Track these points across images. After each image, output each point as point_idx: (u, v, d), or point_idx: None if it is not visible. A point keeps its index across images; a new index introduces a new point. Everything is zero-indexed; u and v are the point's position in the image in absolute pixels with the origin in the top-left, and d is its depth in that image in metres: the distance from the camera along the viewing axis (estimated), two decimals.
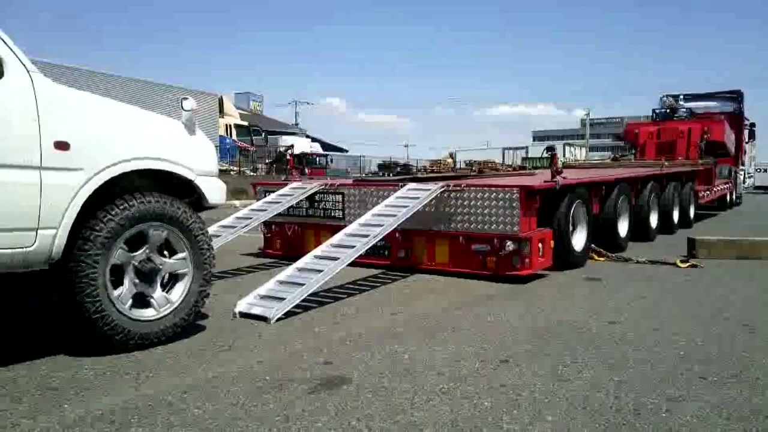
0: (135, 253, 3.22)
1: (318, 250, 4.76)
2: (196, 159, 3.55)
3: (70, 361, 3.05)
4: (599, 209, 7.05)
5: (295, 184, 6.80)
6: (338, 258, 4.46)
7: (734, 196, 15.90)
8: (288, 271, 4.44)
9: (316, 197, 6.53)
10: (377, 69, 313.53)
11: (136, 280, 3.24)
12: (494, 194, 5.37)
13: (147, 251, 3.27)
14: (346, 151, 44.52)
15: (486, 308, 4.28)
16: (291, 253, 6.19)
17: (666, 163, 11.04)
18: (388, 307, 4.31)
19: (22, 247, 2.79)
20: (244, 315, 3.95)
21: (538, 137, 75.17)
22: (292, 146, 10.80)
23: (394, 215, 5.08)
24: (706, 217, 12.49)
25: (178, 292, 3.43)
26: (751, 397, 2.59)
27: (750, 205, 17.47)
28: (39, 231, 2.83)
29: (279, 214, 6.29)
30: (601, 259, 6.56)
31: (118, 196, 3.16)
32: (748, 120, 16.93)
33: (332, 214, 6.39)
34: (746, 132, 17.02)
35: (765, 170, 35.92)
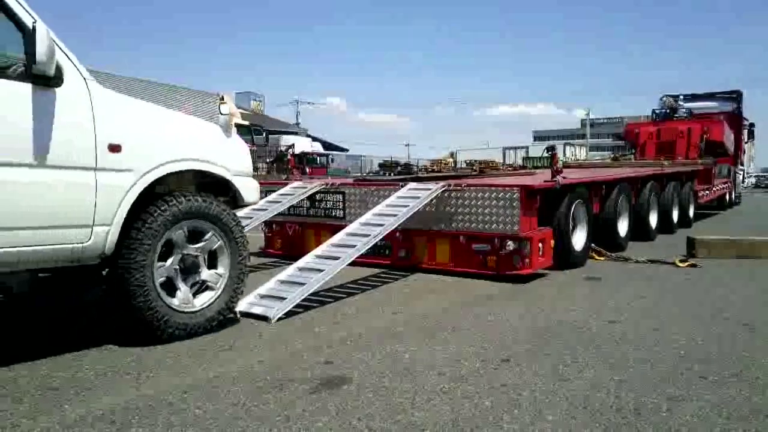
0: (189, 245, 3.48)
1: (319, 250, 4.76)
2: (232, 159, 3.78)
3: (70, 361, 3.05)
4: (599, 209, 7.05)
5: (295, 184, 6.80)
6: (339, 257, 4.47)
7: (733, 196, 15.89)
8: (289, 271, 4.44)
9: (317, 197, 6.53)
10: (377, 69, 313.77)
11: (176, 267, 3.43)
12: (495, 194, 5.37)
13: (199, 250, 3.52)
14: (347, 151, 44.53)
15: (486, 308, 4.28)
16: (292, 253, 6.19)
17: (666, 163, 11.05)
18: (388, 307, 4.31)
19: (80, 243, 3.00)
20: (245, 314, 3.95)
21: (539, 137, 75.12)
22: (292, 146, 10.82)
23: (395, 215, 5.08)
24: (705, 217, 12.49)
25: (202, 300, 3.57)
26: (751, 397, 2.59)
27: (749, 205, 17.47)
28: (94, 227, 3.03)
29: (280, 214, 6.30)
30: (601, 258, 6.56)
31: (162, 195, 3.38)
32: (747, 120, 16.91)
33: (333, 213, 6.39)
34: (745, 132, 17.00)
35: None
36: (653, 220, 8.71)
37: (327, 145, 40.14)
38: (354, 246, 4.62)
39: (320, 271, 4.30)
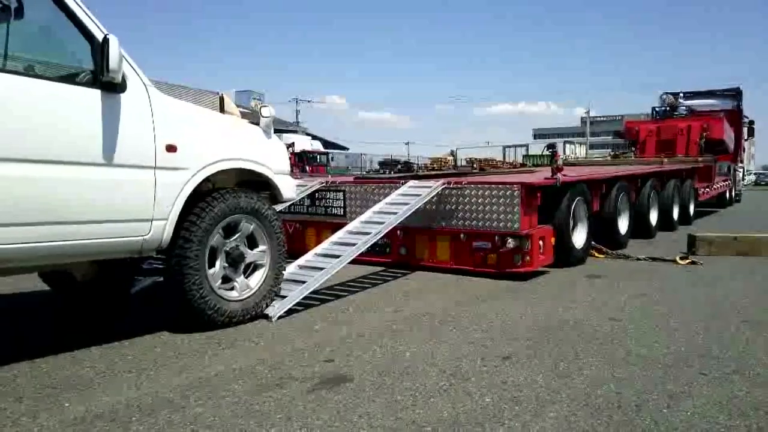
0: (227, 240, 3.69)
1: (319, 248, 4.76)
2: (273, 159, 4.05)
3: (70, 360, 3.05)
4: (599, 206, 7.04)
5: (296, 182, 6.79)
6: (339, 256, 4.46)
7: (733, 193, 15.91)
8: (289, 269, 4.44)
9: (317, 195, 6.53)
10: (378, 67, 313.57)
11: (225, 264, 3.68)
12: (495, 191, 5.36)
13: (237, 240, 3.73)
14: (347, 149, 44.51)
15: (487, 305, 4.28)
16: (292, 251, 6.17)
17: (665, 160, 11.04)
18: (389, 305, 4.31)
19: (141, 236, 3.23)
20: None
21: (539, 135, 75.05)
22: (292, 144, 10.80)
23: (395, 213, 5.08)
24: (705, 214, 12.49)
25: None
26: (752, 393, 2.59)
27: (749, 202, 17.47)
28: (153, 222, 3.26)
29: (280, 212, 6.26)
30: (602, 256, 6.55)
31: (211, 191, 3.63)
32: (747, 117, 16.91)
33: (333, 211, 6.39)
34: (745, 129, 17.00)
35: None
36: (653, 217, 8.71)
37: (327, 144, 40.13)
38: (354, 244, 4.61)
39: (321, 269, 4.30)
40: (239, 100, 37.52)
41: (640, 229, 8.12)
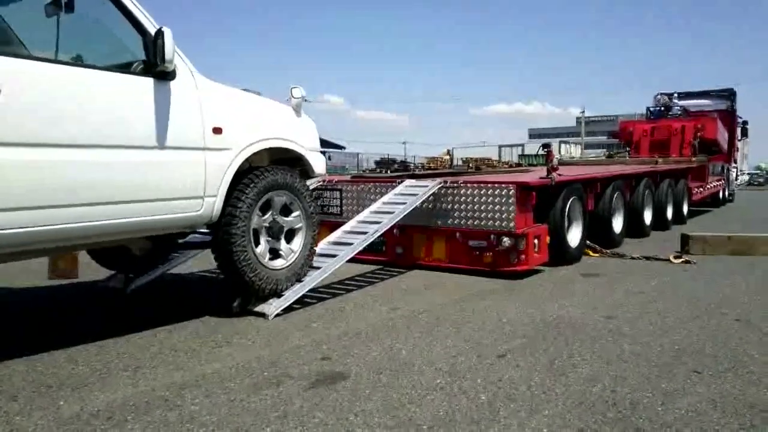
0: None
1: (316, 247, 4.74)
2: (305, 137, 4.30)
3: (66, 358, 3.04)
4: (594, 205, 7.07)
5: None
6: (336, 255, 4.46)
7: (727, 193, 15.98)
8: None
9: (314, 193, 6.49)
10: (376, 66, 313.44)
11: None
12: (491, 191, 5.37)
13: (272, 214, 3.96)
14: (344, 148, 44.41)
15: (483, 304, 4.29)
16: None
17: (659, 160, 11.10)
18: (385, 303, 4.31)
19: (195, 211, 3.49)
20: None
21: (534, 135, 75.19)
22: None
23: (392, 212, 5.08)
24: (699, 214, 12.55)
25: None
26: (745, 391, 2.61)
27: (742, 202, 17.57)
28: (204, 198, 3.51)
29: None
30: (596, 255, 6.58)
31: (251, 170, 3.85)
32: (740, 117, 16.99)
33: (330, 210, 6.39)
34: (739, 130, 17.06)
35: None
36: (648, 216, 8.75)
37: (324, 143, 39.93)
38: (351, 243, 4.61)
39: (318, 268, 4.29)
40: None
41: (634, 228, 8.15)
